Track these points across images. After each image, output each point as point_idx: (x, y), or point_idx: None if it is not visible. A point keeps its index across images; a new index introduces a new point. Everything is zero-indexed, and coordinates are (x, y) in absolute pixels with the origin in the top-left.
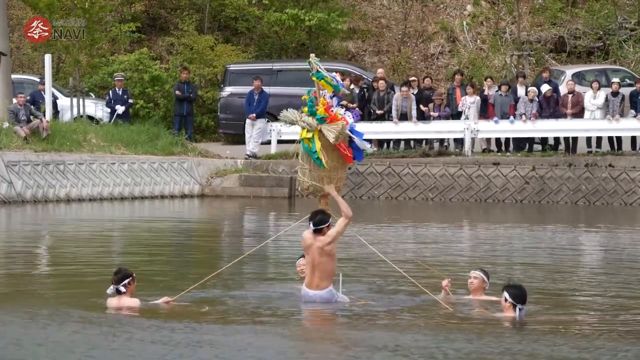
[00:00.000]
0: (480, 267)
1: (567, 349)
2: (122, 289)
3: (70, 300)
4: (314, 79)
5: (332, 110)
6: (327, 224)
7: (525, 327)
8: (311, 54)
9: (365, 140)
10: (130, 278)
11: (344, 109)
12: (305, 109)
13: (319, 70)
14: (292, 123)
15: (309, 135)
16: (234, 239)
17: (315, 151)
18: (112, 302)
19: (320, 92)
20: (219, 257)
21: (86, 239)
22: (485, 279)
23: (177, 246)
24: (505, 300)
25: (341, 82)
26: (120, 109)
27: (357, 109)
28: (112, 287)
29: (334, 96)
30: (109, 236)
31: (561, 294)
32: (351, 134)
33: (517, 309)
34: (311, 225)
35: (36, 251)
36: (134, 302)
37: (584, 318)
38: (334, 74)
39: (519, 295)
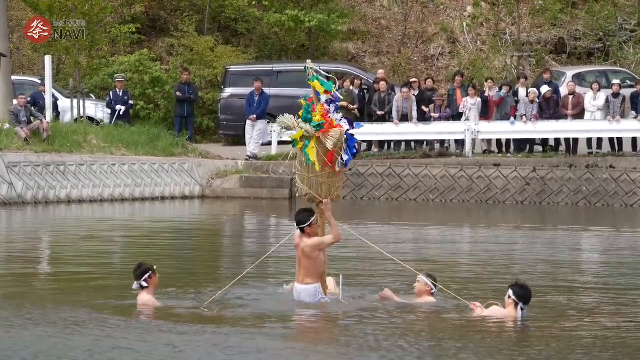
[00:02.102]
0: (428, 272)
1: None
2: (144, 283)
3: (71, 302)
4: (310, 84)
5: (330, 116)
6: (308, 223)
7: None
8: (308, 60)
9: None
10: (151, 271)
11: (341, 114)
12: (301, 113)
13: (314, 74)
14: (288, 128)
15: (301, 143)
16: (236, 240)
17: (309, 156)
18: (138, 297)
19: (318, 97)
20: (222, 258)
21: (87, 240)
22: (429, 282)
23: (178, 247)
24: (509, 297)
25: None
26: (121, 108)
27: (356, 110)
28: (135, 282)
29: (331, 102)
30: (109, 237)
31: (561, 297)
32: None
33: (519, 308)
34: (297, 228)
35: (37, 252)
36: (148, 300)
37: (588, 323)
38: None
39: (523, 296)
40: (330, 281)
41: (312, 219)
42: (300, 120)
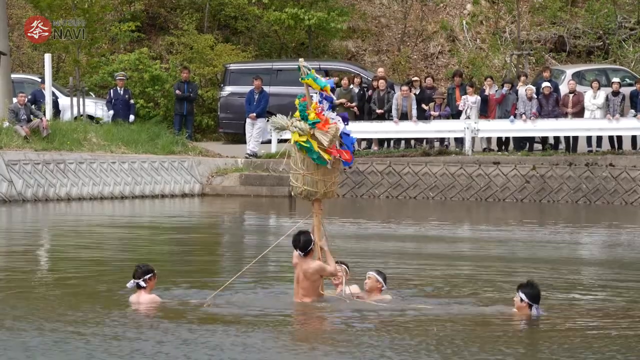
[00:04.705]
0: (377, 268)
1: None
2: (143, 283)
3: (72, 302)
4: (303, 82)
5: (324, 114)
6: (310, 248)
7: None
8: (300, 59)
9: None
10: (152, 274)
11: (335, 112)
12: (297, 114)
13: (307, 72)
14: (282, 129)
15: (303, 138)
16: (236, 238)
17: (315, 151)
18: (132, 297)
19: (311, 95)
20: (221, 255)
21: (87, 239)
22: (380, 279)
23: (178, 244)
24: (521, 300)
25: (329, 81)
26: (131, 117)
27: (354, 108)
28: (132, 281)
29: (325, 99)
30: (109, 235)
31: (563, 295)
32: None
33: (534, 308)
34: (298, 251)
35: (38, 250)
36: (153, 298)
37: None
38: (320, 78)
39: (535, 295)
40: (355, 288)
41: (313, 244)
42: (293, 119)
